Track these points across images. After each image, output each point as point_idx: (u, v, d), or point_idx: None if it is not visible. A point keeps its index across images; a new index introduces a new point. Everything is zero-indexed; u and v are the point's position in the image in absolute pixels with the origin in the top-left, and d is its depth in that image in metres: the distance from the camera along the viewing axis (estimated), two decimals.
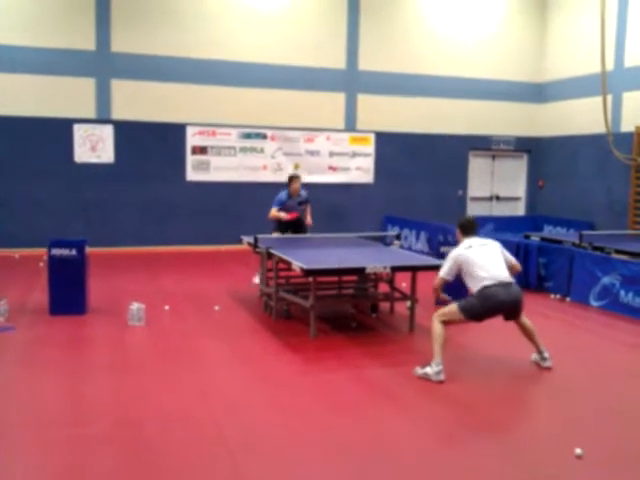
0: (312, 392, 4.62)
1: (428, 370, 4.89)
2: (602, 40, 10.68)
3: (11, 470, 3.40)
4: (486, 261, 5.05)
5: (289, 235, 8.31)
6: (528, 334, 5.32)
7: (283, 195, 8.33)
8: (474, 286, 5.02)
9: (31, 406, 4.23)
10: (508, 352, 5.69)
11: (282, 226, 8.36)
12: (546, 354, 5.31)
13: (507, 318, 5.23)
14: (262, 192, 12.14)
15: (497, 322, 6.11)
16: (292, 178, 8.45)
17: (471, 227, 5.32)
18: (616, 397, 4.68)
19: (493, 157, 13.96)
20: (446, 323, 5.03)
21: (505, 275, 5.08)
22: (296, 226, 8.47)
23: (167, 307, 7.01)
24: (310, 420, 4.12)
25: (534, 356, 5.42)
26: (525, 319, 5.31)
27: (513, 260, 5.40)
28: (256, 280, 8.16)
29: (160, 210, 11.65)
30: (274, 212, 8.19)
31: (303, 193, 8.52)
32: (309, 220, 8.65)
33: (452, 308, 5.04)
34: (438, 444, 3.83)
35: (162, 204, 11.66)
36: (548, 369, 5.24)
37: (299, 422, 4.08)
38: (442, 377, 4.85)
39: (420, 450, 3.75)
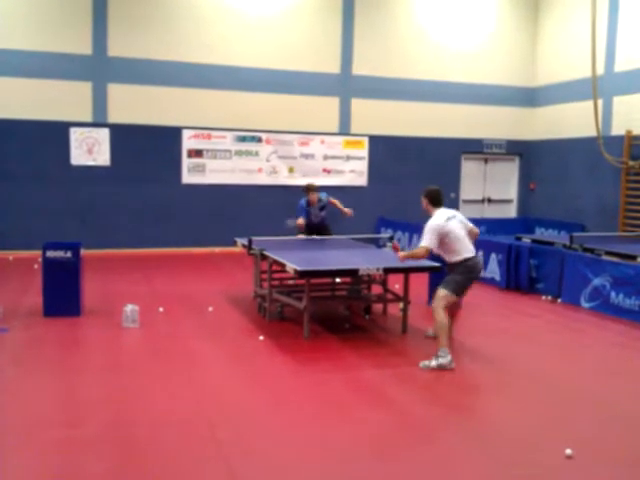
0: (305, 393, 4.67)
1: (442, 361, 5.13)
2: (593, 45, 10.81)
3: (3, 471, 3.41)
4: (462, 234, 5.37)
5: (315, 236, 8.33)
6: (455, 314, 5.92)
7: (303, 202, 8.23)
8: (453, 258, 5.31)
9: (24, 407, 4.25)
10: (498, 351, 5.77)
11: (306, 230, 8.35)
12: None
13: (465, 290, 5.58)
14: (257, 195, 12.23)
15: (491, 320, 6.17)
16: (307, 190, 8.24)
17: (440, 198, 5.53)
18: (606, 396, 4.75)
19: (485, 160, 14.07)
20: (445, 309, 5.28)
21: (472, 246, 5.48)
22: (320, 230, 8.44)
23: (161, 309, 7.05)
24: (303, 421, 4.16)
25: (431, 332, 5.95)
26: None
27: (471, 225, 5.64)
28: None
29: (156, 212, 11.69)
30: (300, 222, 8.14)
31: (322, 197, 8.36)
32: (347, 210, 8.42)
33: (443, 293, 5.30)
34: (428, 444, 3.89)
35: (158, 206, 11.70)
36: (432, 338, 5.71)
37: (292, 423, 4.12)
38: (453, 364, 5.14)
39: (412, 451, 3.80)
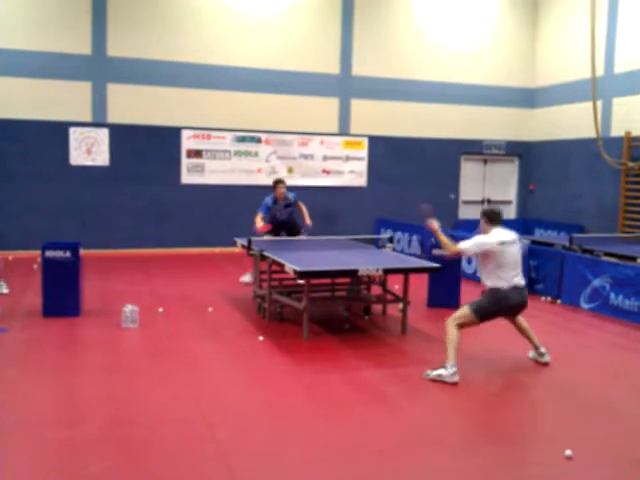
0: (305, 393, 4.66)
1: (442, 372, 4.91)
2: (592, 46, 10.82)
3: (3, 471, 3.41)
4: (511, 263, 5.08)
5: (283, 237, 8.38)
6: (524, 331, 5.45)
7: (269, 200, 8.29)
8: (490, 282, 5.08)
9: (23, 407, 4.24)
10: (498, 353, 5.76)
11: (272, 228, 8.37)
12: (542, 349, 5.44)
13: (507, 316, 5.37)
14: (256, 195, 12.15)
15: (490, 322, 6.14)
16: (276, 183, 8.40)
17: (498, 218, 5.26)
18: (606, 397, 4.75)
19: (485, 161, 14.08)
20: (460, 326, 5.04)
21: (521, 280, 5.14)
22: (288, 229, 8.50)
23: (161, 309, 7.05)
24: (303, 421, 4.16)
25: (531, 354, 5.54)
26: (520, 317, 5.43)
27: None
28: (244, 279, 8.54)
29: (155, 213, 11.68)
30: (258, 219, 8.05)
31: (290, 196, 8.42)
32: (308, 221, 8.49)
33: (465, 311, 5.08)
34: (428, 445, 3.88)
35: (157, 207, 11.69)
36: (546, 364, 5.37)
37: (291, 423, 4.11)
38: (457, 378, 4.88)
39: (410, 451, 3.80)
